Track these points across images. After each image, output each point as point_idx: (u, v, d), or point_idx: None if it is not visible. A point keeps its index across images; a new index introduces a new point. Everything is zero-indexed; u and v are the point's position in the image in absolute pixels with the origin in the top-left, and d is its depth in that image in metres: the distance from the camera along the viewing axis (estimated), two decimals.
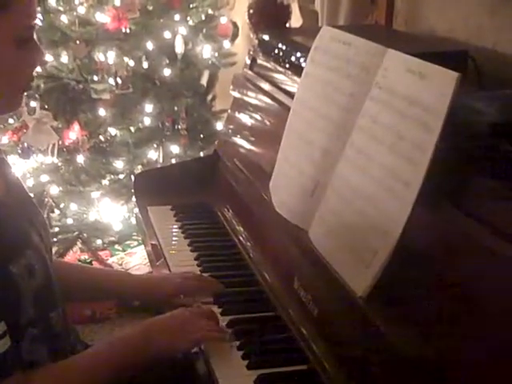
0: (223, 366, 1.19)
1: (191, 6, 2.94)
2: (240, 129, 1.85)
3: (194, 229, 1.75)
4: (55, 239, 2.83)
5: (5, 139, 2.87)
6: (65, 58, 2.82)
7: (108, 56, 2.76)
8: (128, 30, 2.77)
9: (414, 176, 1.03)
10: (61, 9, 2.82)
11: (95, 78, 2.79)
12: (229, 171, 1.79)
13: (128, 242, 2.98)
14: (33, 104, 2.76)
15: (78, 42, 2.77)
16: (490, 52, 1.58)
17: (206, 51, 2.93)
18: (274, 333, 1.28)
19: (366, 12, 2.20)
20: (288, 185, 1.40)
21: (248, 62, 1.92)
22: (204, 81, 3.07)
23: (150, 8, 2.84)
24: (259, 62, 1.87)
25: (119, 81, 2.76)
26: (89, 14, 2.77)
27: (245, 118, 1.85)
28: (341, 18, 2.31)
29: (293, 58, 1.64)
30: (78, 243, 2.91)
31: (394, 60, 1.17)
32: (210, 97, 3.11)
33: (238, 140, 1.85)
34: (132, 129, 2.91)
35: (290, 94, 1.55)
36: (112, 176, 2.95)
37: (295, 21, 2.49)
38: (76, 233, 2.91)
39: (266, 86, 1.75)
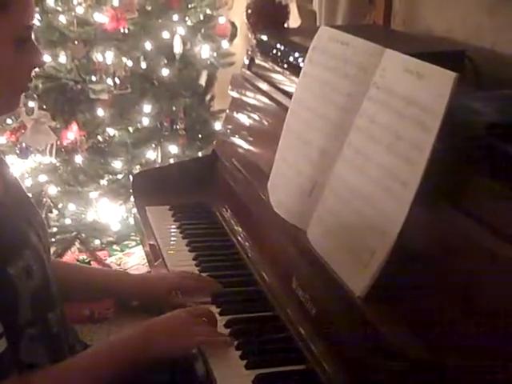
0: (221, 366, 1.18)
1: (189, 6, 2.94)
2: (238, 129, 1.85)
3: (193, 229, 1.75)
4: (53, 239, 2.83)
5: (3, 139, 2.87)
6: (63, 58, 2.82)
7: (106, 56, 2.76)
8: (126, 31, 2.77)
9: (411, 176, 1.03)
10: (59, 9, 2.82)
11: (93, 78, 2.79)
12: (227, 171, 1.79)
13: (126, 242, 2.98)
14: (31, 104, 2.76)
15: (76, 42, 2.77)
16: (488, 52, 1.58)
17: (204, 51, 2.93)
18: (272, 332, 1.28)
19: (364, 12, 2.21)
20: (286, 185, 1.40)
21: (246, 62, 1.92)
22: (202, 81, 3.07)
23: (149, 8, 2.84)
24: (257, 62, 1.87)
25: (117, 81, 2.76)
26: (87, 14, 2.77)
27: (243, 118, 1.85)
28: (339, 18, 2.32)
29: (291, 58, 1.64)
30: (76, 243, 2.90)
31: (391, 60, 1.17)
32: (208, 97, 3.11)
33: (237, 140, 1.85)
34: (130, 129, 2.91)
35: (288, 94, 1.55)
36: (110, 176, 2.95)
37: (293, 21, 2.50)
38: (74, 233, 2.90)
39: (264, 86, 1.75)
